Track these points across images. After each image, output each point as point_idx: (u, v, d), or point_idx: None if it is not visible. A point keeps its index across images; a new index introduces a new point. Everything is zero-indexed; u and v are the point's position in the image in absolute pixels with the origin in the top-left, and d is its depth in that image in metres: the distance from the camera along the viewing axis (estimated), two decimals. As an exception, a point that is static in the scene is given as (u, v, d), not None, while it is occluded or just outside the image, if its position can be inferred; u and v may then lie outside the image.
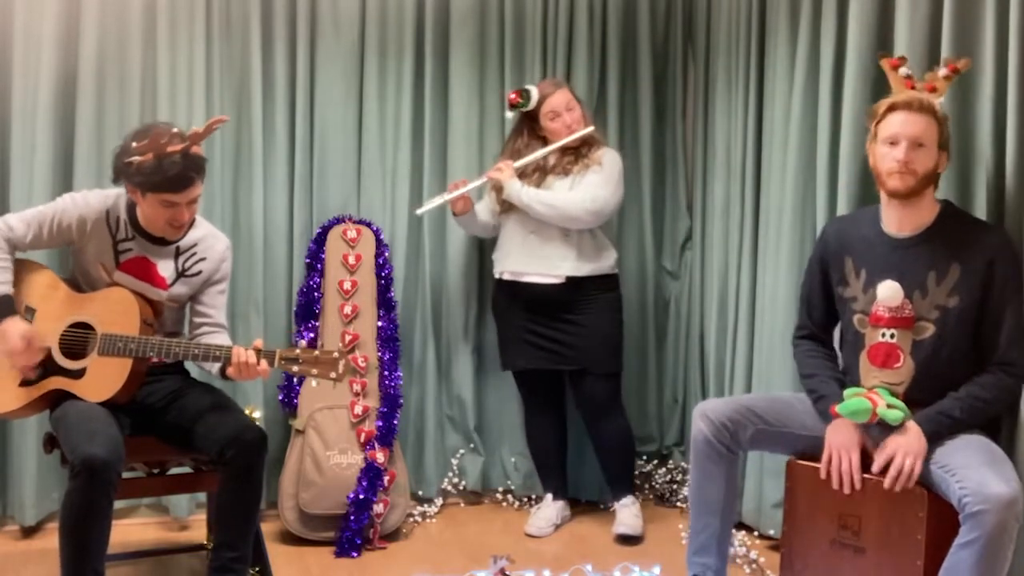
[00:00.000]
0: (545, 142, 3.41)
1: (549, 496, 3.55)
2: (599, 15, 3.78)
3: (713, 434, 2.46)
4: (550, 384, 3.53)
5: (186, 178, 2.48)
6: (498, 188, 3.41)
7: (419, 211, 3.49)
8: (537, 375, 3.50)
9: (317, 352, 2.46)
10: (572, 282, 3.36)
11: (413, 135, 3.66)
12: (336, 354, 2.46)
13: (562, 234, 3.35)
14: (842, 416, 2.31)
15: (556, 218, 3.31)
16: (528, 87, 3.42)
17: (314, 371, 2.45)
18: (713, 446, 2.46)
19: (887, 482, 2.22)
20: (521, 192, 3.34)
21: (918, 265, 2.32)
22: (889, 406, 2.27)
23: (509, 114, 3.51)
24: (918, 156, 2.27)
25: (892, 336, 2.35)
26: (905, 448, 2.20)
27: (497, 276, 3.50)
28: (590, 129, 3.40)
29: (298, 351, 2.47)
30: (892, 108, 2.31)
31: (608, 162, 3.38)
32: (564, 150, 3.40)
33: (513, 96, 3.42)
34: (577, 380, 3.46)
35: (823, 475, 2.34)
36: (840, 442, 2.32)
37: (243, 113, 3.46)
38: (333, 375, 2.45)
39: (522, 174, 3.40)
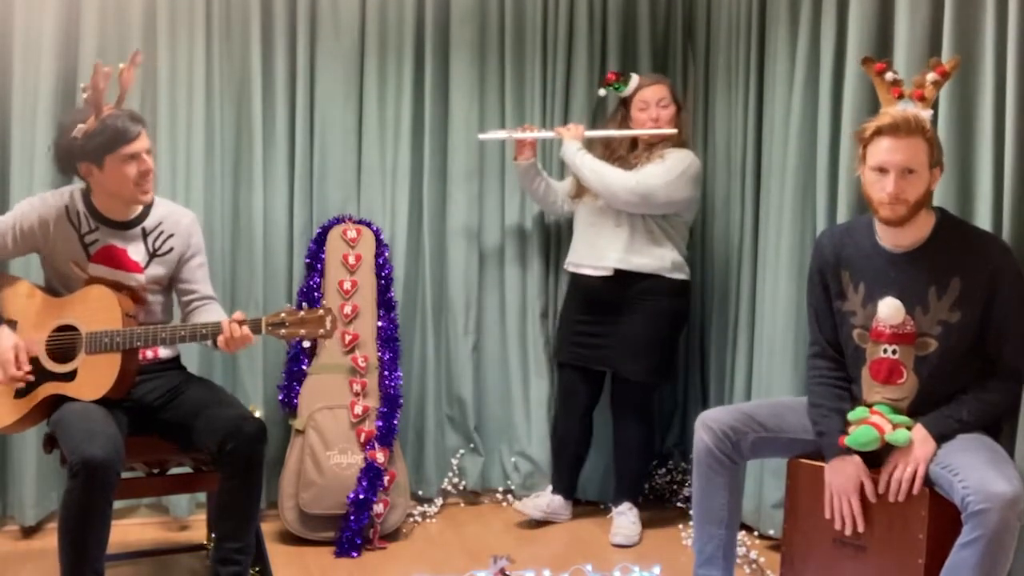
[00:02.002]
0: None
1: (550, 488, 3.55)
2: (599, 15, 3.78)
3: (715, 444, 2.44)
4: (583, 386, 3.52)
5: (132, 128, 2.51)
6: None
7: (481, 136, 3.51)
8: (573, 373, 3.52)
9: (303, 312, 2.45)
10: (621, 277, 3.35)
11: (413, 135, 3.66)
12: (322, 311, 2.44)
13: (614, 224, 3.37)
14: (850, 448, 2.29)
15: (600, 188, 3.32)
16: (632, 74, 3.46)
17: (302, 331, 2.43)
18: (715, 456, 2.45)
19: (881, 487, 2.23)
20: (576, 154, 3.37)
21: (918, 281, 2.28)
22: (895, 426, 2.25)
23: (602, 91, 3.57)
24: (909, 184, 2.20)
25: (894, 352, 2.32)
26: (906, 457, 2.20)
27: (565, 267, 3.56)
28: (671, 131, 3.38)
29: (283, 315, 2.46)
30: (879, 132, 2.22)
31: (673, 159, 3.34)
32: (640, 146, 3.41)
33: (611, 75, 3.45)
34: (612, 379, 3.52)
35: (827, 515, 2.33)
36: (840, 485, 2.31)
37: (243, 113, 3.46)
38: (322, 331, 2.43)
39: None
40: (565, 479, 3.56)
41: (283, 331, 2.45)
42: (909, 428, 2.25)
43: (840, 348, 2.49)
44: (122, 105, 2.57)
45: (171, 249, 2.68)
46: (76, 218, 2.59)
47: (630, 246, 3.36)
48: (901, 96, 2.35)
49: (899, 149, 2.20)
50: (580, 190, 3.48)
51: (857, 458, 2.29)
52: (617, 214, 3.37)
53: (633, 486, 3.52)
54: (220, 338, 2.45)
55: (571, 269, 3.52)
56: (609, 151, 3.46)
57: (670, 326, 3.46)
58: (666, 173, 3.30)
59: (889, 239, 2.34)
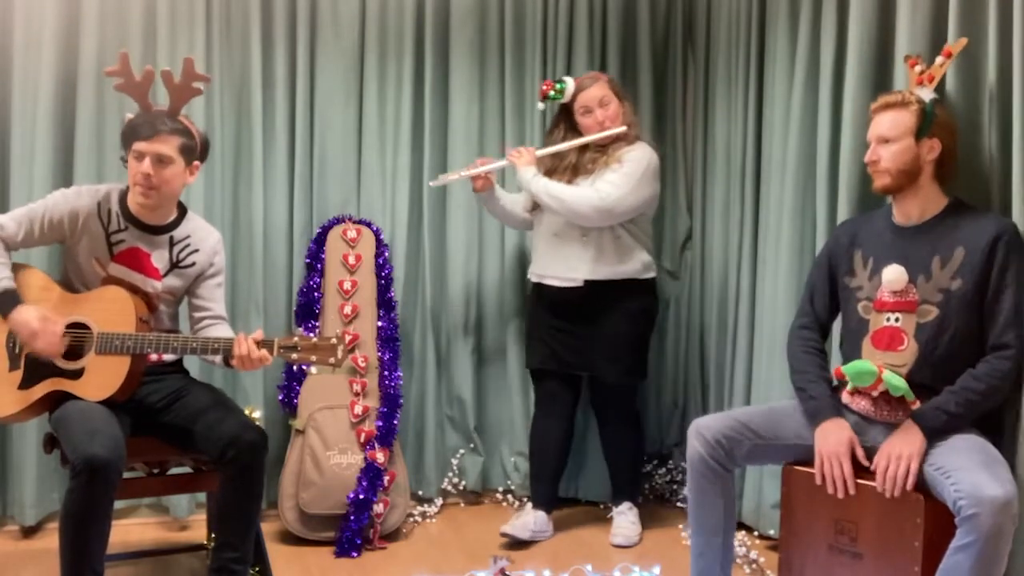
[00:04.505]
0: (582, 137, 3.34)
1: (529, 505, 3.45)
2: (599, 15, 3.78)
3: (708, 453, 2.44)
4: (565, 389, 3.45)
5: (153, 127, 2.53)
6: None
7: (433, 183, 3.43)
8: (552, 378, 3.43)
9: (315, 339, 2.47)
10: (591, 286, 3.28)
11: (413, 135, 3.66)
12: (334, 340, 2.46)
13: (580, 235, 3.28)
14: (847, 376, 2.34)
15: (563, 212, 3.23)
16: (565, 78, 3.36)
17: (313, 357, 2.46)
18: (708, 464, 2.44)
19: (878, 486, 2.22)
20: (532, 181, 3.27)
21: (922, 251, 2.35)
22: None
23: (540, 106, 3.48)
24: (883, 152, 2.38)
25: (896, 320, 2.36)
26: (899, 452, 2.20)
27: (529, 277, 3.49)
28: (620, 129, 3.29)
29: (296, 339, 2.48)
30: (872, 115, 2.45)
31: (631, 160, 3.24)
32: (592, 147, 3.32)
33: (545, 87, 3.35)
34: (591, 383, 3.47)
35: (818, 481, 2.34)
36: (830, 449, 2.32)
37: (243, 113, 3.46)
38: (332, 360, 2.45)
39: (552, 170, 3.34)
40: (550, 492, 3.43)
41: (294, 355, 2.47)
42: (907, 399, 2.29)
43: (826, 328, 2.60)
44: (176, 113, 2.62)
45: (193, 264, 2.69)
46: (107, 216, 2.61)
47: (599, 257, 3.28)
48: (921, 84, 2.47)
49: (875, 124, 2.42)
50: (537, 203, 3.35)
51: (844, 422, 2.34)
52: (583, 226, 3.28)
53: (631, 486, 3.50)
54: (235, 357, 2.46)
55: (535, 279, 3.43)
56: (558, 158, 3.35)
57: (644, 326, 3.41)
58: (626, 181, 3.21)
59: (901, 215, 2.44)
